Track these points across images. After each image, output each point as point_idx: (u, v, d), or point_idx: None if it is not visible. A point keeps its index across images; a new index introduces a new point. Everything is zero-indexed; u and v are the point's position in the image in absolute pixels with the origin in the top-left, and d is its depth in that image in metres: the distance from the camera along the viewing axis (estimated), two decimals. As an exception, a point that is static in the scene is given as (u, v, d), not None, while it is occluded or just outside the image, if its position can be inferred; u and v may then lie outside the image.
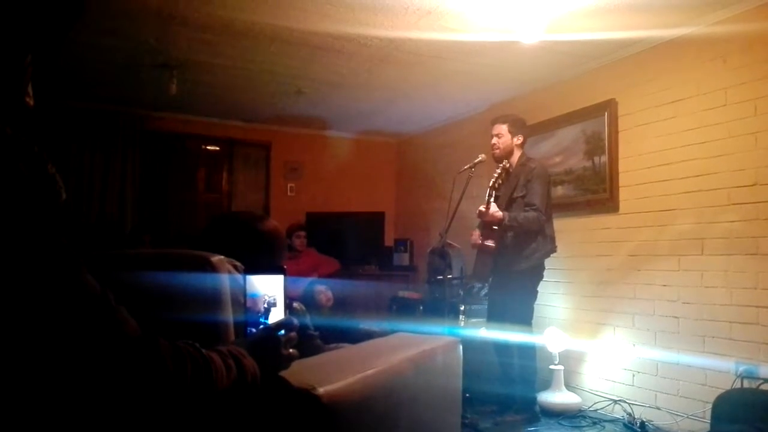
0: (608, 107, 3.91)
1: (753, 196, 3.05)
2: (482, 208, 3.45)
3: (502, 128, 3.64)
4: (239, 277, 1.13)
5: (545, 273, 3.63)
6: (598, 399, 3.83)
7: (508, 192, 3.59)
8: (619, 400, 3.70)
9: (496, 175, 3.54)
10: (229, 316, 1.11)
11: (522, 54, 3.85)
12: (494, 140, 3.65)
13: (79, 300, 0.74)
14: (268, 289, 1.11)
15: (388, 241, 6.27)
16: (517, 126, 3.66)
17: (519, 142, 3.65)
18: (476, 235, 3.58)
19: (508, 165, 3.60)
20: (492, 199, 3.48)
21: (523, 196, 3.51)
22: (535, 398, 3.64)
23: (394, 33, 3.55)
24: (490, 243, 3.49)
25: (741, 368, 3.00)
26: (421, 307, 4.77)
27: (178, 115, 5.65)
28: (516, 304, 3.56)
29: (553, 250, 3.60)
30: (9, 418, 0.74)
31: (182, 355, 0.86)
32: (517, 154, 3.65)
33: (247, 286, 1.10)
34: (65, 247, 0.74)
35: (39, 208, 0.72)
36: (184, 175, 5.91)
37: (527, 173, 3.54)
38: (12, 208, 0.69)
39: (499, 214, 3.39)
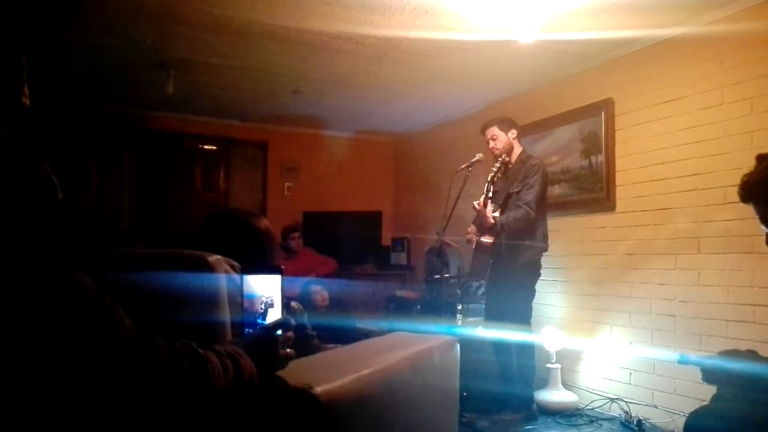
0: (605, 106, 3.91)
1: (749, 194, 3.06)
2: (476, 204, 3.47)
3: (494, 130, 3.70)
4: (236, 277, 1.13)
5: (542, 272, 3.65)
6: (595, 397, 3.83)
7: (506, 188, 3.61)
8: (616, 399, 3.71)
9: (495, 168, 3.59)
10: (226, 315, 1.10)
11: (519, 53, 3.85)
12: (491, 144, 3.70)
13: (75, 299, 0.74)
14: (266, 289, 1.10)
15: (386, 240, 6.26)
16: (505, 123, 3.73)
17: (514, 136, 3.72)
18: (471, 231, 3.60)
19: (507, 159, 3.65)
20: (490, 194, 3.50)
21: (518, 191, 3.53)
22: (532, 397, 3.64)
23: (391, 32, 3.55)
24: (487, 239, 3.50)
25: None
26: (419, 307, 4.77)
27: (174, 114, 5.64)
28: (514, 303, 3.56)
29: (545, 249, 3.62)
30: (6, 417, 0.74)
31: (179, 355, 0.86)
32: (516, 150, 3.70)
33: (245, 287, 1.09)
34: (60, 247, 0.74)
35: (34, 209, 0.72)
36: (181, 174, 5.90)
37: (527, 169, 3.58)
38: (7, 208, 0.69)
39: (491, 220, 3.42)
